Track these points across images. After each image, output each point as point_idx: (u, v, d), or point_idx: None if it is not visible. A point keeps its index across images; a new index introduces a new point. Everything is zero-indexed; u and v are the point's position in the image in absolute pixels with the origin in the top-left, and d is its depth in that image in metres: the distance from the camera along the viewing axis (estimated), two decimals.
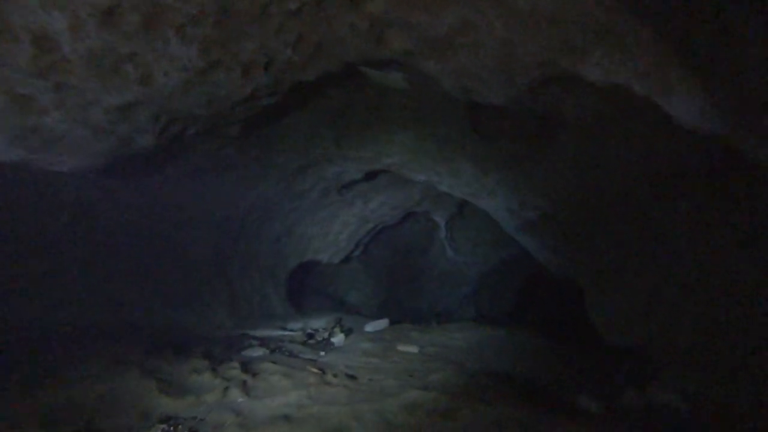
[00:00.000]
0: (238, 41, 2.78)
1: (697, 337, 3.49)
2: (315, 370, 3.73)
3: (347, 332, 5.99)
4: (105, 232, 3.92)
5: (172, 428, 2.30)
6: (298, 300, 7.88)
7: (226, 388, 2.81)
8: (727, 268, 3.33)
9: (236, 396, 2.85)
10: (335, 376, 3.56)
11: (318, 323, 6.33)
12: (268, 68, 3.23)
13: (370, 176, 6.83)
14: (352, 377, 3.61)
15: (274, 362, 3.69)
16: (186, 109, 3.03)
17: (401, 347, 5.10)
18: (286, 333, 5.28)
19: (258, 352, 4.18)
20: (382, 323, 6.09)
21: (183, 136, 3.51)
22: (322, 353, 4.76)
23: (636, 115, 2.94)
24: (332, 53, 3.36)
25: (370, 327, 6.05)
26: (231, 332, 4.83)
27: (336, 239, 7.63)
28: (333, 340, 5.57)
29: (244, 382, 3.06)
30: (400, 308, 9.90)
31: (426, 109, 5.14)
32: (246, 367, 3.39)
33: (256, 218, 5.90)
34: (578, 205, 4.88)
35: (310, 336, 5.59)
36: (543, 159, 4.67)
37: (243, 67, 3.06)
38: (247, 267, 6.00)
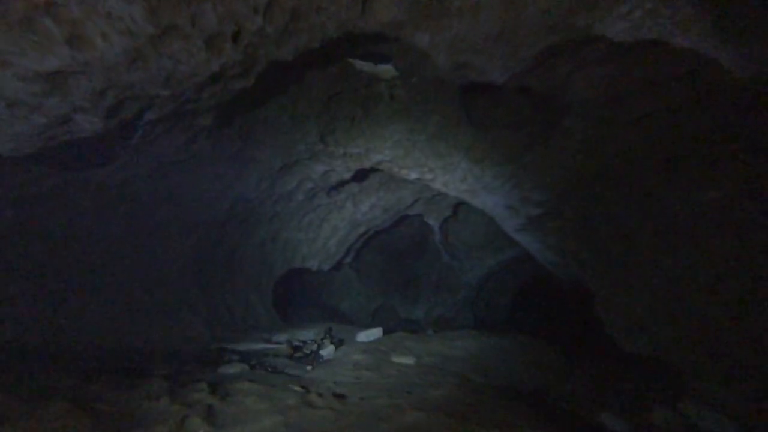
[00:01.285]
0: (194, 2, 2.30)
1: (736, 343, 3.02)
2: (298, 389, 3.19)
3: (338, 343, 5.44)
4: (55, 235, 3.37)
5: None
6: (286, 310, 7.31)
7: (185, 417, 2.27)
8: (764, 264, 2.88)
9: (196, 426, 2.31)
10: (320, 395, 3.02)
11: (306, 334, 5.77)
12: (236, 40, 2.75)
13: (360, 176, 6.35)
14: (340, 396, 3.07)
15: (251, 381, 3.14)
16: (139, 85, 2.53)
17: (396, 358, 4.57)
18: (270, 346, 4.72)
19: (235, 368, 3.62)
20: (375, 332, 5.55)
21: (141, 121, 3.00)
22: (309, 368, 4.21)
23: (662, 82, 2.51)
24: (311, 25, 2.89)
25: (363, 337, 5.50)
26: (207, 346, 4.27)
27: (325, 245, 7.10)
28: (322, 352, 5.02)
29: (210, 408, 2.51)
30: (395, 316, 9.35)
31: (417, 99, 4.70)
32: (216, 387, 2.84)
33: (237, 222, 5.37)
34: (585, 198, 4.44)
35: (297, 348, 5.04)
36: (545, 148, 4.23)
37: (205, 37, 2.58)
38: (228, 274, 5.44)
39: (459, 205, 8.18)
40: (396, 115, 4.93)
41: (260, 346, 4.58)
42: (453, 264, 9.14)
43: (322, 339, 5.57)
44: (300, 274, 7.98)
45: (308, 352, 5.01)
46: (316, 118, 4.71)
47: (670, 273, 4.02)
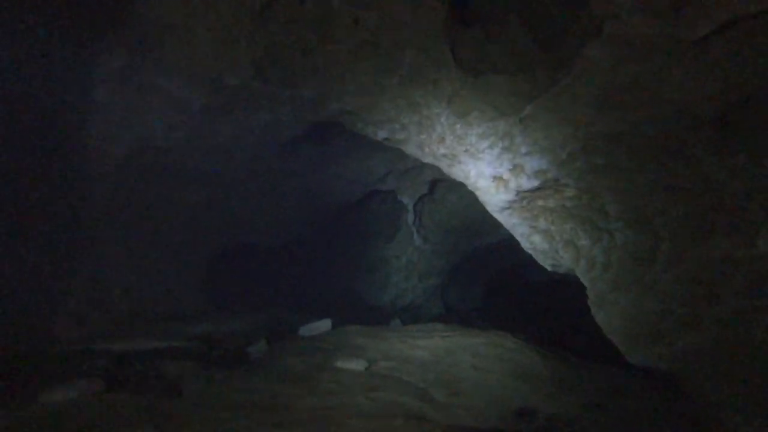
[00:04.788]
0: None
1: None
2: None
3: (275, 337, 4.14)
4: None
5: None
6: (229, 292, 5.92)
7: None
8: None
9: None
10: None
11: (238, 325, 4.43)
12: None
13: (319, 136, 4.97)
14: None
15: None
16: None
17: (341, 362, 3.32)
18: (173, 344, 3.35)
19: (74, 390, 2.23)
20: (322, 325, 4.27)
21: None
22: (219, 376, 2.89)
23: None
24: None
25: (306, 331, 4.22)
26: (68, 346, 2.86)
27: (277, 217, 5.70)
28: (250, 350, 3.70)
29: None
30: (359, 302, 8.12)
31: (388, 26, 3.33)
32: None
33: (148, 176, 3.90)
34: (596, 168, 3.23)
35: (215, 345, 3.69)
36: (554, 95, 2.96)
37: None
38: (130, 244, 3.99)
39: (436, 183, 6.94)
40: (361, 48, 3.54)
41: (153, 344, 3.19)
42: (425, 248, 7.93)
43: (255, 332, 4.25)
44: (255, 253, 6.58)
45: (229, 349, 3.69)
46: (248, 37, 3.26)
47: (701, 268, 2.89)
